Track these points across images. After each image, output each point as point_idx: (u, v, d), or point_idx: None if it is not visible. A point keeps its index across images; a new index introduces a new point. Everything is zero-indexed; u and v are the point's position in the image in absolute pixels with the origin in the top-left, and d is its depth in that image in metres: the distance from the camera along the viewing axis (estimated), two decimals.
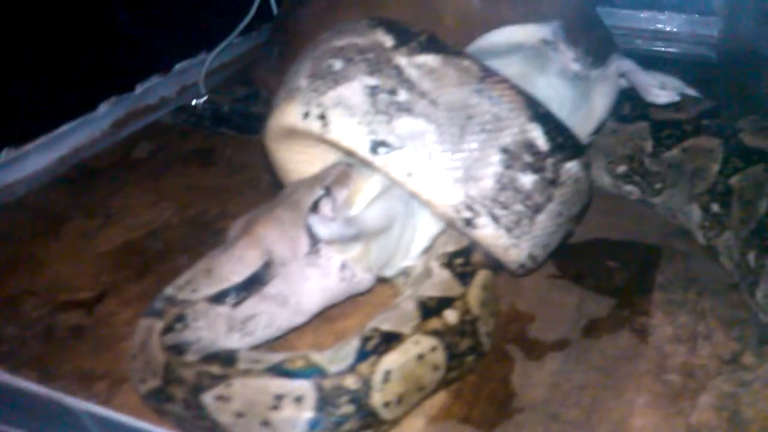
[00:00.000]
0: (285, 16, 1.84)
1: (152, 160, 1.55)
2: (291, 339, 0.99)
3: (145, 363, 0.87)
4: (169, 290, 0.92)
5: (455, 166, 0.91)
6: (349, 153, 0.94)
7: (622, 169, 1.31)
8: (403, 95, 0.91)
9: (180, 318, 0.88)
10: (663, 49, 1.99)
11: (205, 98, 1.81)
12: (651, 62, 1.34)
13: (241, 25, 1.93)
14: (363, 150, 0.92)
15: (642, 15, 2.03)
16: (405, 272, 1.03)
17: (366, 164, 0.95)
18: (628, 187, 1.32)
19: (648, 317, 1.06)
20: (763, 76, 1.55)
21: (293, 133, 0.98)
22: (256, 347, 0.95)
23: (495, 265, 1.02)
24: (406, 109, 0.91)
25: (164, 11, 1.81)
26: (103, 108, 1.67)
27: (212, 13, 1.96)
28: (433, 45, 0.93)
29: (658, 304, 1.09)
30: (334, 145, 0.95)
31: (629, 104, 1.29)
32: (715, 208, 1.17)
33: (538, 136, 0.93)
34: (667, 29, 2.01)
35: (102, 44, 1.64)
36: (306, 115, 0.94)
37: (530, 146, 0.92)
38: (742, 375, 0.96)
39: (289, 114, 0.96)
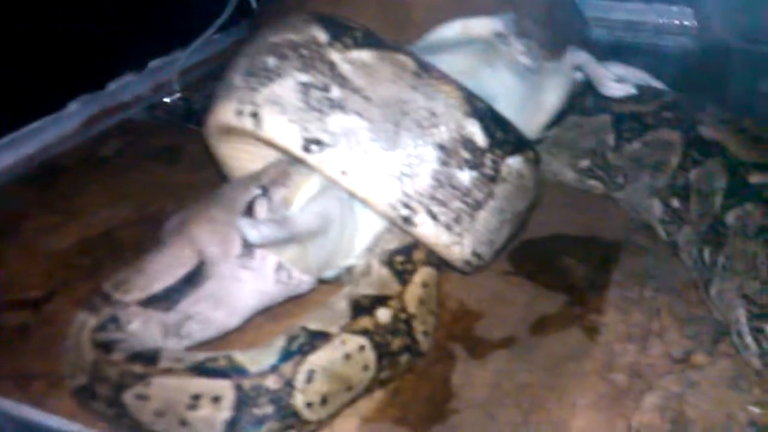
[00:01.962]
0: (261, 12, 1.82)
1: (118, 157, 1.54)
2: (232, 338, 0.98)
3: (77, 358, 0.86)
4: (106, 286, 0.91)
5: (390, 164, 0.90)
6: (284, 151, 0.93)
7: (585, 163, 1.29)
8: (336, 92, 0.89)
9: (113, 319, 0.88)
10: (640, 40, 1.96)
11: (178, 95, 1.79)
12: (627, 53, 1.31)
13: (218, 22, 1.91)
14: (296, 148, 0.90)
15: (626, 5, 2.00)
16: (348, 271, 1.01)
17: (303, 163, 0.94)
18: (592, 182, 1.30)
19: (600, 315, 1.04)
20: (731, 67, 1.53)
21: (230, 131, 0.97)
22: (194, 348, 0.93)
23: (440, 263, 1.00)
24: (338, 105, 0.89)
25: (138, 7, 1.79)
26: (73, 106, 1.65)
27: (188, 10, 1.94)
28: (368, 40, 0.91)
29: (612, 302, 1.07)
30: (267, 143, 0.93)
31: (591, 97, 1.27)
32: (675, 202, 1.15)
33: (475, 131, 0.91)
34: (647, 20, 1.98)
35: (72, 41, 1.62)
36: (240, 113, 0.93)
37: (467, 142, 0.91)
38: (691, 375, 0.94)
39: (224, 112, 0.95)
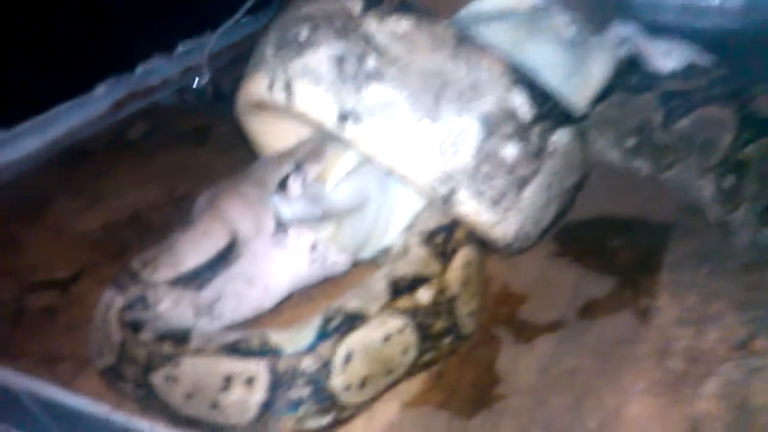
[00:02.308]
0: None
1: (146, 141, 1.52)
2: (267, 319, 0.94)
3: (104, 338, 0.83)
4: (134, 264, 0.87)
5: (430, 137, 0.84)
6: (318, 125, 0.88)
7: (631, 142, 1.23)
8: (372, 62, 0.84)
9: (141, 299, 0.84)
10: (683, 21, 1.88)
11: (207, 78, 1.76)
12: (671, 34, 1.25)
13: (248, 5, 1.87)
14: (330, 121, 0.86)
15: None
16: (385, 252, 0.97)
17: (338, 137, 0.89)
18: (638, 162, 1.24)
19: (652, 299, 0.99)
20: None
21: (262, 106, 0.93)
22: (228, 329, 0.89)
23: (482, 244, 0.95)
24: (375, 76, 0.84)
25: None
26: (100, 89, 1.62)
27: None
28: (405, 9, 0.86)
29: (665, 285, 1.01)
30: (301, 118, 0.89)
31: (637, 74, 1.21)
32: (728, 182, 1.08)
33: (520, 103, 0.86)
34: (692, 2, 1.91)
35: (100, 23, 1.59)
36: (271, 85, 0.89)
37: (512, 115, 0.85)
38: (753, 361, 0.88)
39: (255, 85, 0.91)
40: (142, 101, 1.68)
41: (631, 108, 1.21)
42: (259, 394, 0.75)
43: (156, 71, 1.76)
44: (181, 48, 1.83)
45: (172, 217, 1.21)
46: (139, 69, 1.72)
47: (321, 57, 0.86)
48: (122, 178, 1.36)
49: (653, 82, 1.18)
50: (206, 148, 1.47)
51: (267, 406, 0.75)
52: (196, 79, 1.76)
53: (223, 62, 1.86)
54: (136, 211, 1.25)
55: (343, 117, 0.85)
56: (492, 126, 0.85)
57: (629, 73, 1.19)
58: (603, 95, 1.16)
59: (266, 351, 0.76)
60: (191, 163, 1.40)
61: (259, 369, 0.75)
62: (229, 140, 1.47)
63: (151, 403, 0.79)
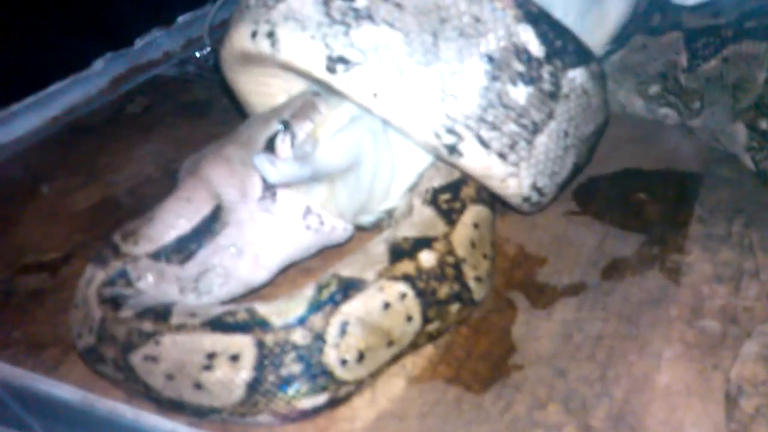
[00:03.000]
0: None
1: (146, 114, 1.46)
2: (262, 295, 0.87)
3: (84, 316, 0.76)
4: (116, 237, 0.80)
5: (430, 81, 0.76)
6: (306, 75, 0.80)
7: (654, 89, 1.14)
8: (361, 0, 0.76)
9: (122, 274, 0.77)
10: None
11: (209, 49, 1.69)
12: None
13: None
14: (319, 69, 0.78)
15: None
16: (389, 215, 0.89)
17: (332, 89, 0.81)
18: (663, 110, 1.15)
19: (682, 254, 0.91)
20: None
21: (247, 59, 0.85)
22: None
23: (493, 201, 0.87)
24: (366, 16, 0.76)
25: None
26: (98, 64, 1.56)
27: None
28: None
29: (696, 240, 0.94)
30: (288, 68, 0.81)
31: (659, 13, 1.11)
32: (765, 124, 0.99)
33: (529, 39, 0.77)
34: None
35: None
36: (254, 34, 0.81)
37: (521, 52, 0.77)
38: None
39: (238, 36, 0.83)
40: (142, 75, 1.62)
41: (654, 51, 1.12)
42: (245, 372, 0.68)
43: (156, 44, 1.70)
44: (180, 20, 1.76)
45: (168, 191, 1.14)
46: (139, 43, 1.66)
47: None
48: (120, 153, 1.30)
49: (677, 20, 1.09)
50: (207, 120, 1.40)
51: (255, 385, 0.68)
52: (197, 52, 1.69)
53: (225, 33, 1.78)
54: (132, 186, 1.19)
55: (333, 64, 0.77)
56: (498, 65, 0.76)
57: (649, 13, 1.09)
58: (621, 40, 1.07)
59: (252, 324, 0.69)
60: (191, 136, 1.33)
61: (244, 344, 0.68)
62: (231, 112, 1.41)
63: (132, 386, 0.72)
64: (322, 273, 0.84)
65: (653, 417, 0.71)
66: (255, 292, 0.87)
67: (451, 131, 0.78)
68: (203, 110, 1.44)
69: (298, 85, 0.89)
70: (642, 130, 1.15)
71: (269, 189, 0.80)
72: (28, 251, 1.05)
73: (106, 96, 1.54)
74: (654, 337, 0.79)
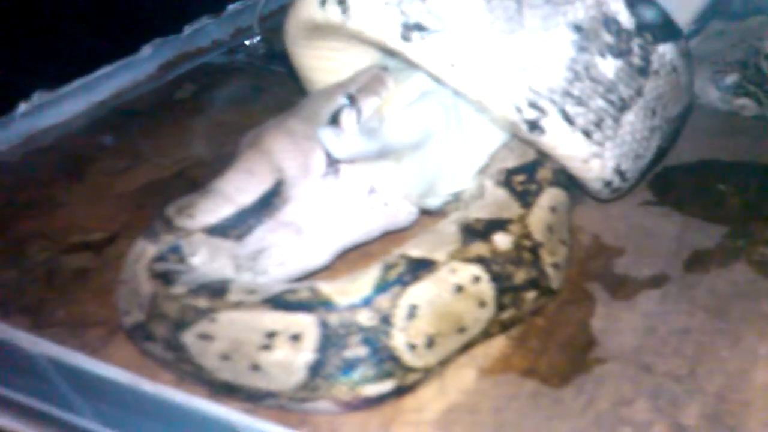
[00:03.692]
0: None
1: (194, 100, 1.42)
2: (319, 278, 0.81)
3: (132, 292, 0.72)
4: (169, 210, 0.76)
5: (513, 51, 0.71)
6: (378, 45, 0.75)
7: (732, 78, 1.08)
8: None
9: (175, 249, 0.73)
10: None
11: (259, 38, 1.66)
12: None
13: None
14: (393, 38, 0.73)
15: None
16: (457, 198, 0.84)
17: (403, 61, 0.76)
18: (741, 101, 1.08)
19: None
20: None
21: (314, 31, 0.81)
22: None
23: (570, 185, 0.81)
24: None
25: None
26: (146, 50, 1.54)
27: None
28: None
29: None
30: (358, 38, 0.76)
31: None
32: None
33: (619, 9, 0.72)
34: None
35: None
36: (323, 1, 0.76)
37: (611, 22, 0.72)
38: None
39: (305, 4, 0.79)
40: (191, 62, 1.59)
41: (733, 37, 1.06)
42: (306, 354, 0.63)
43: (205, 32, 1.67)
44: (230, 8, 1.73)
45: (218, 173, 1.11)
46: (187, 30, 1.63)
47: None
48: (168, 137, 1.27)
49: (760, 3, 1.02)
50: (257, 107, 1.37)
51: (316, 368, 0.63)
52: (247, 40, 1.66)
53: (275, 23, 1.75)
54: (181, 169, 1.16)
55: (408, 32, 0.73)
56: (586, 36, 0.71)
57: None
58: (699, 24, 1.01)
59: (316, 303, 0.64)
60: (240, 122, 1.28)
61: (307, 324, 0.63)
62: (281, 98, 1.37)
63: (183, 366, 0.67)
64: (382, 256, 0.80)
65: (754, 418, 0.65)
66: (313, 276, 0.82)
67: (533, 105, 0.73)
68: (253, 98, 1.40)
69: (364, 60, 0.85)
70: (718, 121, 1.10)
71: (333, 165, 0.76)
72: (73, 231, 1.02)
73: (154, 82, 1.51)
74: (747, 332, 0.74)
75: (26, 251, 0.98)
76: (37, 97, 1.33)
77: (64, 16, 1.38)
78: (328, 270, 0.83)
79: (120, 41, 1.51)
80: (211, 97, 1.43)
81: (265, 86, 1.44)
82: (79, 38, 1.41)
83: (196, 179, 1.11)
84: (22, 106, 1.31)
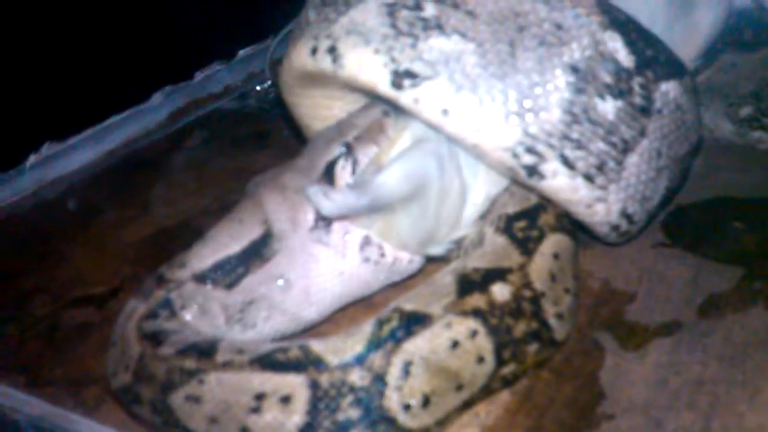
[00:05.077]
0: None
1: (204, 147, 1.43)
2: (321, 332, 0.80)
3: (121, 353, 0.71)
4: (163, 268, 0.76)
5: (507, 95, 0.69)
6: (371, 93, 0.74)
7: (746, 111, 1.06)
8: (430, 9, 0.71)
9: (165, 303, 0.72)
10: None
11: (270, 83, 1.66)
12: None
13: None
14: (384, 85, 0.72)
15: None
16: (459, 245, 0.81)
17: (397, 108, 0.74)
18: (756, 134, 1.06)
19: None
20: None
21: (308, 80, 0.79)
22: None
23: (575, 230, 0.79)
24: (435, 26, 0.71)
25: None
26: (157, 98, 1.54)
27: None
28: None
29: None
30: (351, 85, 0.75)
31: (751, 29, 1.03)
32: None
33: (617, 48, 0.70)
34: None
35: (156, 31, 1.52)
36: (314, 50, 0.76)
37: (608, 62, 0.70)
38: None
39: (298, 54, 0.78)
40: (202, 109, 1.60)
41: (746, 68, 1.04)
42: (297, 416, 0.61)
43: (216, 78, 1.67)
44: (241, 53, 1.74)
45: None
46: (198, 76, 1.63)
47: (369, 10, 0.73)
48: (175, 186, 1.27)
49: None
50: (266, 152, 1.36)
51: (306, 431, 0.60)
52: (258, 85, 1.66)
53: (284, 55, 1.76)
54: (187, 218, 1.15)
55: (399, 79, 0.71)
56: (584, 77, 0.69)
57: (740, 27, 1.01)
58: (708, 59, 0.98)
59: (306, 363, 0.62)
60: (249, 168, 1.27)
61: (296, 384, 0.61)
62: (290, 144, 1.36)
63: (171, 430, 0.65)
64: (385, 307, 0.77)
65: None
66: (311, 330, 0.80)
67: (530, 150, 0.70)
68: (263, 142, 1.40)
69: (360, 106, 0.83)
70: (732, 155, 1.07)
71: (323, 219, 0.74)
72: (76, 285, 1.02)
73: (164, 129, 1.52)
74: (765, 383, 0.70)
75: (28, 306, 0.98)
76: (46, 149, 1.34)
77: (73, 65, 1.38)
78: (328, 323, 0.82)
79: (130, 89, 1.51)
80: (221, 143, 1.43)
81: (275, 131, 1.44)
82: (89, 87, 1.41)
83: (202, 229, 1.09)
84: (32, 158, 1.32)
